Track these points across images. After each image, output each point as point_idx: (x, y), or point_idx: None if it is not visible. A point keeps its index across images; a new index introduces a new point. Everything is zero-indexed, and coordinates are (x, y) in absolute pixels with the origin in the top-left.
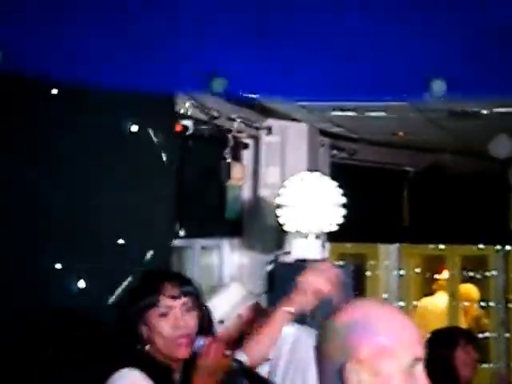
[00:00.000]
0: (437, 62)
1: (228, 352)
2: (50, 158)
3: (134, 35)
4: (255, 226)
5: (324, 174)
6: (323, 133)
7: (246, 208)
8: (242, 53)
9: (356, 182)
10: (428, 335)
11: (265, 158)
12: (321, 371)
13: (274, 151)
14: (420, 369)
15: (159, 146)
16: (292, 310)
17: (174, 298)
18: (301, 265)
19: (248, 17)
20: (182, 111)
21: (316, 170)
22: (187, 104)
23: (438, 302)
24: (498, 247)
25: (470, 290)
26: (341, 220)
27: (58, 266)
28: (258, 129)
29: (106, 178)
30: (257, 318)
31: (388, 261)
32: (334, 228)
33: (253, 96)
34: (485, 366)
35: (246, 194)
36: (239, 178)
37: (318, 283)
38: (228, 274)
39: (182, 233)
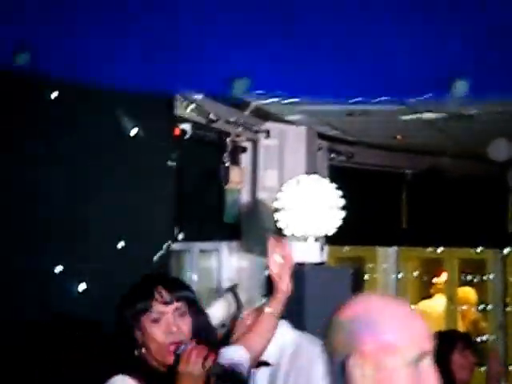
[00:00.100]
0: (460, 62)
1: (210, 357)
2: (50, 160)
3: (157, 36)
4: (254, 229)
5: (322, 177)
6: (321, 136)
7: (244, 211)
8: (264, 53)
9: (354, 185)
10: None
11: (263, 161)
12: (328, 367)
13: (273, 154)
14: (428, 363)
15: (158, 149)
16: (274, 310)
17: (166, 303)
18: (300, 268)
19: (270, 17)
20: (180, 115)
21: (314, 174)
22: (186, 107)
23: (436, 305)
24: (497, 250)
25: (468, 293)
26: (339, 223)
27: (59, 267)
28: (256, 132)
29: (105, 180)
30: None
31: (386, 264)
32: (333, 231)
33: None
34: (482, 369)
35: (245, 197)
36: (238, 181)
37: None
38: (227, 277)
39: (180, 236)
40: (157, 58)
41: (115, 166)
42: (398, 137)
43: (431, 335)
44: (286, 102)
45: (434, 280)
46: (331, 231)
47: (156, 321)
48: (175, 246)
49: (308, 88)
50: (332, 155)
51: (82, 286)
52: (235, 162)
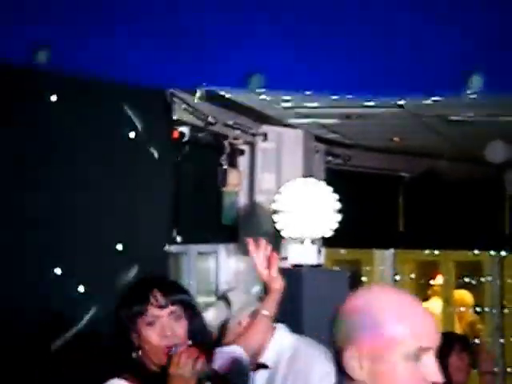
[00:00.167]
0: (475, 57)
1: (201, 359)
2: (48, 164)
3: (174, 34)
4: (251, 231)
5: (319, 180)
6: (318, 139)
7: (242, 214)
8: (278, 50)
9: (351, 187)
10: None
11: (261, 164)
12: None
13: (270, 157)
14: (430, 359)
15: (156, 152)
16: (269, 311)
17: (161, 307)
18: (297, 270)
19: (285, 15)
20: (178, 117)
21: (311, 176)
22: (184, 111)
23: (433, 307)
24: (493, 253)
25: (464, 295)
26: (336, 225)
27: (58, 269)
28: (253, 135)
29: (103, 183)
30: None
31: (383, 266)
32: (330, 233)
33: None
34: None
35: (242, 200)
36: (235, 184)
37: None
38: (224, 279)
39: (178, 238)
40: (172, 56)
41: (114, 169)
42: (395, 139)
43: (435, 331)
44: (284, 105)
45: (431, 282)
46: (328, 234)
47: (151, 324)
48: (173, 249)
49: (322, 85)
50: (329, 158)
51: (81, 288)
52: (233, 164)
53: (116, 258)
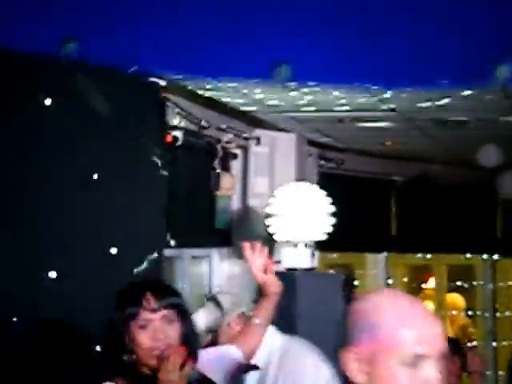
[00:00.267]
0: (503, 46)
1: (188, 364)
2: (40, 169)
3: (200, 25)
4: (245, 235)
5: (312, 183)
6: (311, 143)
7: (235, 218)
8: (306, 40)
9: (343, 191)
10: None
11: (254, 168)
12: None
13: (263, 161)
14: (429, 366)
15: (150, 156)
16: (263, 319)
17: (153, 310)
18: (291, 274)
19: (312, 4)
20: (172, 122)
21: (304, 180)
22: (177, 114)
23: None
24: (485, 256)
25: (456, 299)
26: (329, 229)
27: (51, 273)
28: (246, 139)
29: (97, 187)
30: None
31: (375, 270)
32: (324, 237)
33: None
34: None
35: (236, 203)
36: (228, 188)
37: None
38: (218, 283)
39: (172, 242)
40: (197, 45)
41: (107, 173)
42: (388, 143)
43: (438, 339)
44: (277, 109)
45: (423, 286)
46: (321, 237)
47: (143, 327)
48: (167, 253)
49: (349, 75)
50: (322, 162)
51: (75, 291)
52: (226, 168)
53: (110, 262)
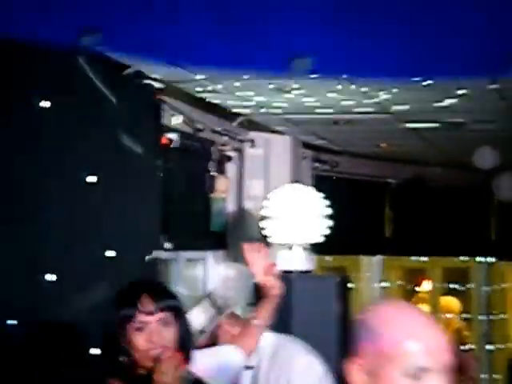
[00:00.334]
0: None
1: (182, 366)
2: (37, 171)
3: (221, 19)
4: (240, 238)
5: (306, 186)
6: (305, 145)
7: (230, 220)
8: (326, 32)
9: (338, 194)
10: None
11: (248, 170)
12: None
13: (258, 164)
14: (432, 380)
15: (145, 158)
16: (262, 320)
17: (149, 313)
18: (286, 276)
19: None
20: (167, 124)
21: (299, 182)
22: (172, 117)
23: None
24: (480, 259)
25: (451, 302)
26: (326, 231)
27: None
28: (241, 141)
29: (92, 189)
30: (234, 326)
31: (370, 273)
32: (320, 239)
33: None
34: None
35: (231, 206)
36: (223, 190)
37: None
38: (213, 286)
39: (167, 245)
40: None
41: (102, 176)
42: (383, 145)
43: (443, 353)
44: (272, 111)
45: (418, 289)
46: (318, 239)
47: (139, 329)
48: (162, 255)
49: (372, 67)
50: (316, 164)
51: (71, 294)
52: (221, 171)
53: (106, 264)
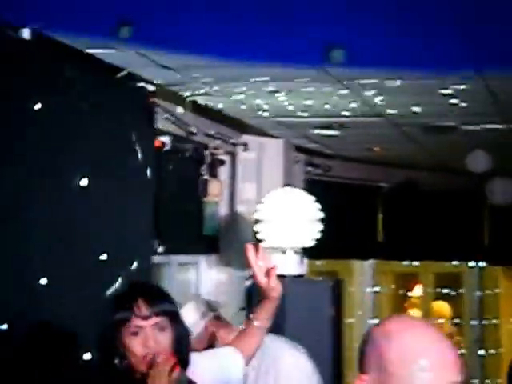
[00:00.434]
0: None
1: (176, 370)
2: (27, 174)
3: (257, 9)
4: (232, 242)
5: (299, 190)
6: (298, 149)
7: (223, 224)
8: (358, 23)
9: (330, 198)
10: None
11: (241, 174)
12: None
13: (251, 167)
14: None
15: (138, 161)
16: (262, 322)
17: (144, 318)
18: (280, 280)
19: None
20: (160, 127)
21: (291, 186)
22: (166, 120)
23: None
24: (473, 264)
25: (442, 307)
26: (318, 235)
27: (42, 280)
28: (234, 145)
29: (84, 193)
30: (219, 329)
31: (362, 277)
32: (312, 243)
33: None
34: None
35: (223, 210)
36: (216, 194)
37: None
38: (205, 290)
39: (160, 249)
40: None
41: (95, 179)
42: (375, 148)
43: (451, 371)
44: (264, 114)
45: (409, 294)
46: (310, 243)
47: (135, 334)
48: (154, 259)
49: (408, 59)
50: (309, 168)
51: (66, 298)
52: (214, 174)
53: (98, 268)
